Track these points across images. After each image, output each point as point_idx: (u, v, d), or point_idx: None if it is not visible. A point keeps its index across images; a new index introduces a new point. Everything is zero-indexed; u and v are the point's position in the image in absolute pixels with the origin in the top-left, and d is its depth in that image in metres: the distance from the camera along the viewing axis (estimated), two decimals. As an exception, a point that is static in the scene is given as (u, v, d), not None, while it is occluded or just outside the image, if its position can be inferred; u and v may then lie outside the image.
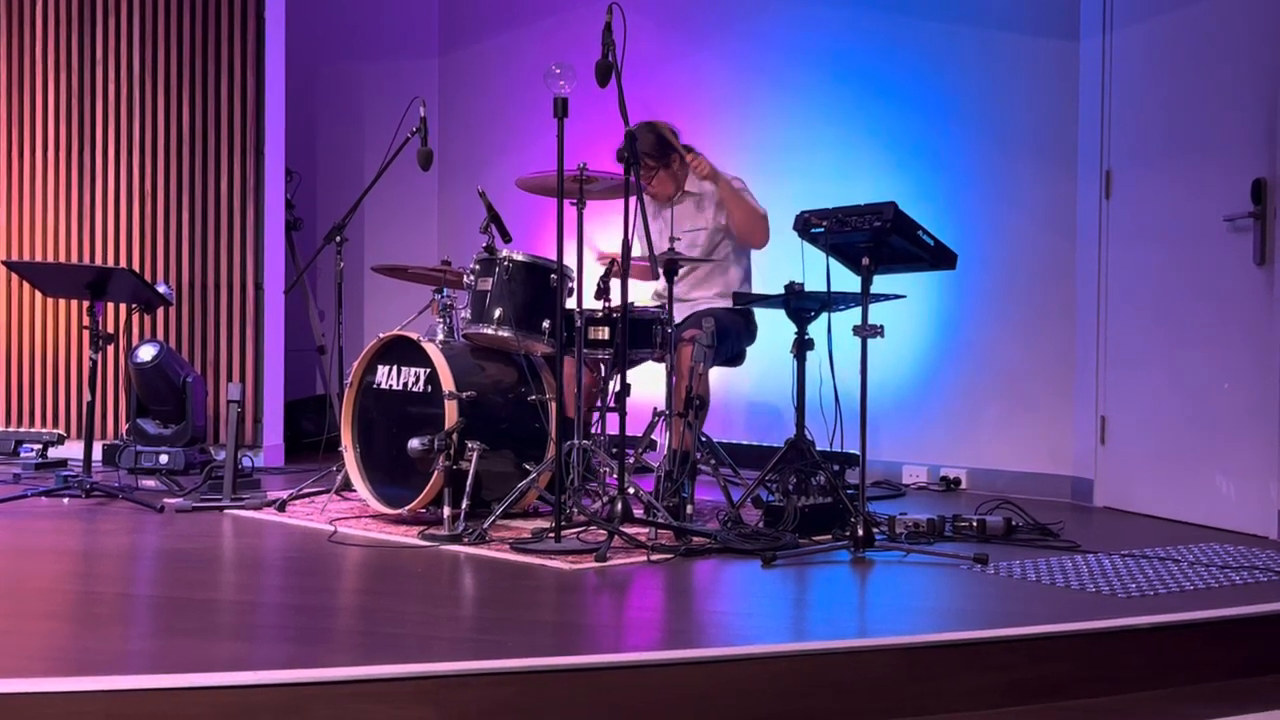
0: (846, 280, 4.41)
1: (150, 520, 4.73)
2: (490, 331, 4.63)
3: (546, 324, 4.57)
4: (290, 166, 6.71)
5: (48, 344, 6.50)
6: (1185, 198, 4.89)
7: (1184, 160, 4.91)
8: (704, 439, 4.80)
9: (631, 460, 4.69)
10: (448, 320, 4.87)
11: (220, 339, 6.39)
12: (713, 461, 4.84)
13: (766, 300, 4.93)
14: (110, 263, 6.36)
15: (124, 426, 5.96)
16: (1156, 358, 5.03)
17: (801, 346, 4.66)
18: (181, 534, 4.51)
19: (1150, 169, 5.08)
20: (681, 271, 4.92)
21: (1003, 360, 5.68)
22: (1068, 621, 3.26)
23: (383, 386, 4.80)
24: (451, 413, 4.46)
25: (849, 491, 4.41)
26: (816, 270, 4.35)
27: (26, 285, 6.19)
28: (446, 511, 4.35)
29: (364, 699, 2.72)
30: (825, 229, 4.31)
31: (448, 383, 4.51)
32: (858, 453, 4.29)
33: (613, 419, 4.48)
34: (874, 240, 4.23)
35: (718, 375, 5.43)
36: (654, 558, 4.03)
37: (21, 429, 6.49)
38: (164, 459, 5.62)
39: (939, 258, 4.39)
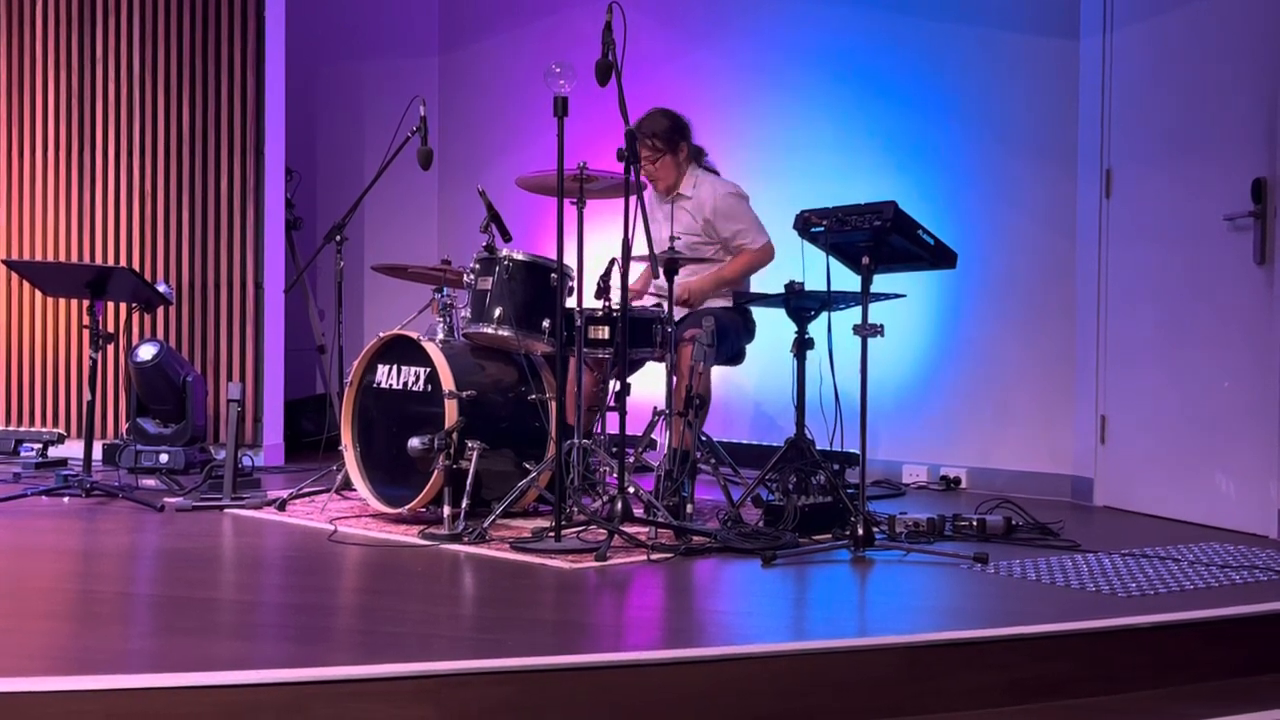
0: (846, 279, 4.41)
1: (150, 519, 4.72)
2: (490, 331, 4.63)
3: (546, 323, 4.58)
4: (290, 166, 6.71)
5: (48, 343, 6.50)
6: (1185, 197, 4.89)
7: (1184, 159, 4.90)
8: (704, 438, 4.80)
9: (631, 459, 4.69)
10: (448, 319, 4.87)
11: (220, 338, 6.39)
12: (713, 461, 4.84)
13: (766, 299, 4.93)
14: (110, 262, 6.36)
15: (124, 426, 5.97)
16: (1156, 357, 5.02)
17: (801, 346, 4.67)
18: (182, 533, 4.51)
19: (1150, 168, 5.08)
20: (682, 272, 4.92)
21: (1003, 359, 5.68)
22: (1068, 621, 3.26)
23: (383, 386, 4.80)
24: (451, 412, 4.46)
25: (849, 491, 4.41)
26: (816, 269, 4.35)
27: (26, 285, 6.18)
28: (446, 511, 4.35)
29: (365, 698, 2.73)
30: (825, 228, 4.31)
31: (448, 382, 4.51)
32: (858, 452, 4.29)
33: (612, 418, 4.49)
34: (874, 239, 4.23)
35: (718, 374, 5.43)
36: (654, 557, 4.03)
37: (21, 428, 6.48)
38: (164, 458, 5.62)
39: (939, 257, 4.39)
